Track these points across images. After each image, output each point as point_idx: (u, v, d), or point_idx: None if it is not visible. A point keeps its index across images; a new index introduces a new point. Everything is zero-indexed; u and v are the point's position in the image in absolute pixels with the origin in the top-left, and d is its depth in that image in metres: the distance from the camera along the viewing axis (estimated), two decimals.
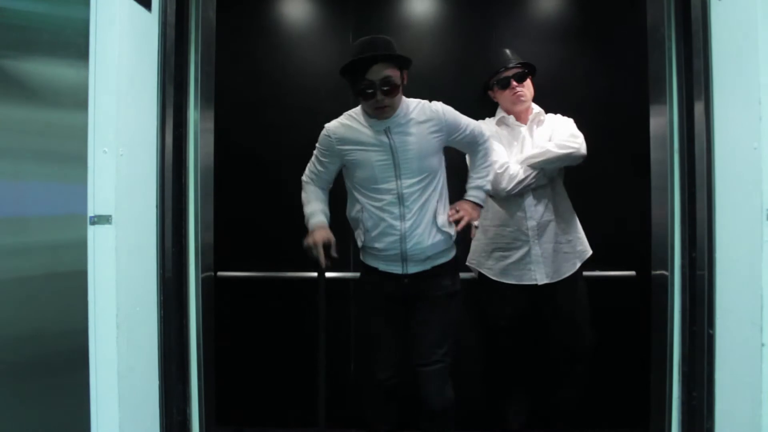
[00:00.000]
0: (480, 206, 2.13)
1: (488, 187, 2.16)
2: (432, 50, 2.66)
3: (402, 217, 1.98)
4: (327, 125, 2.08)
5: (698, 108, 1.55)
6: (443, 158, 2.09)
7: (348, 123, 2.04)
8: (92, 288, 1.35)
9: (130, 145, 1.46)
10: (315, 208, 2.10)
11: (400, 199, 1.98)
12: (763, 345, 1.21)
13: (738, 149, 1.34)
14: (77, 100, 1.35)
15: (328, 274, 2.60)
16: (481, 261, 2.39)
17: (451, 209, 2.08)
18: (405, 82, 1.99)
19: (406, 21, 2.70)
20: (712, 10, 1.45)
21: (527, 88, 2.33)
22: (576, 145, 2.23)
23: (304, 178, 2.20)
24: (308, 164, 2.18)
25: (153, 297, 1.60)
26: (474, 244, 2.47)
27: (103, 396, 1.36)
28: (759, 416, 1.23)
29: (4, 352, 1.28)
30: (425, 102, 2.05)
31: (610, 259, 2.41)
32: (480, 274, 2.41)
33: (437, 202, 2.03)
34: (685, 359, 1.64)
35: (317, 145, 2.11)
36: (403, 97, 2.02)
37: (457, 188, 2.18)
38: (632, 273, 2.50)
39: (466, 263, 2.50)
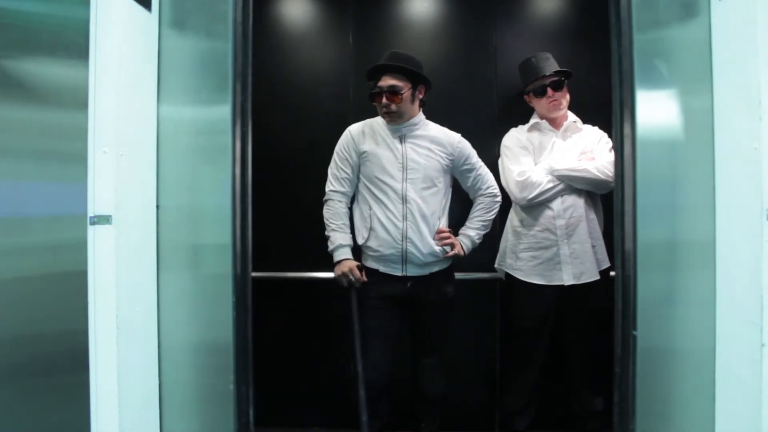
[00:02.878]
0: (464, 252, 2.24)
1: (478, 241, 2.28)
2: (432, 50, 2.66)
3: (404, 218, 2.12)
4: (349, 127, 2.25)
5: None
6: (450, 182, 2.24)
7: (370, 123, 2.23)
8: (92, 288, 1.34)
9: (130, 145, 1.46)
10: (339, 241, 2.15)
11: (404, 200, 2.11)
12: (763, 345, 1.21)
13: (738, 149, 1.34)
14: (77, 100, 1.35)
15: (326, 274, 2.61)
16: (511, 262, 2.39)
17: (445, 230, 2.19)
18: (421, 97, 2.18)
19: (406, 21, 2.70)
20: (712, 10, 1.45)
21: (563, 96, 2.34)
22: (612, 176, 2.24)
23: (327, 193, 2.22)
24: (328, 179, 2.23)
25: (153, 297, 1.60)
26: (502, 246, 2.48)
27: (103, 396, 1.36)
28: (759, 416, 1.23)
29: (3, 352, 1.28)
30: (447, 130, 2.23)
31: (609, 258, 2.41)
32: (507, 275, 2.42)
33: (439, 218, 2.18)
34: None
35: (337, 149, 2.22)
36: (423, 116, 2.21)
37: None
38: None
39: (495, 266, 2.50)
